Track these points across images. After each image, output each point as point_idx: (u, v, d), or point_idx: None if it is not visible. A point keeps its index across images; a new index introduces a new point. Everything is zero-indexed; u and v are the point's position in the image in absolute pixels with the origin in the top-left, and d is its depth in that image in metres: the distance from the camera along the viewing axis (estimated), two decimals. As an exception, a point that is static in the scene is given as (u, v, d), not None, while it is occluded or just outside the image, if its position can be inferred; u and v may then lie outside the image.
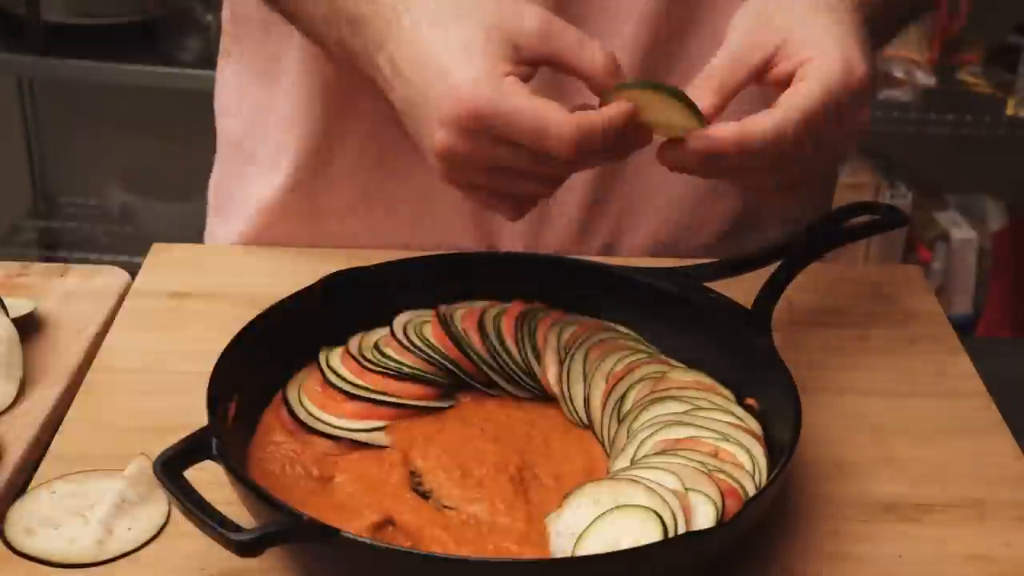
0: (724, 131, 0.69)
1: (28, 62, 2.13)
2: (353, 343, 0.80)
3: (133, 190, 2.37)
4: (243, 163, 1.02)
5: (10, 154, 2.48)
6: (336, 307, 0.80)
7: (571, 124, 0.67)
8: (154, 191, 2.33)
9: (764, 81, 0.74)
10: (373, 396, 0.76)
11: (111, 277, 0.92)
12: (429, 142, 0.69)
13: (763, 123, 0.69)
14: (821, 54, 0.72)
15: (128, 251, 2.17)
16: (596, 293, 0.84)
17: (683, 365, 0.80)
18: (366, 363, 0.78)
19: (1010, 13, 2.23)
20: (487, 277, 0.85)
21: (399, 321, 0.82)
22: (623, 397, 0.78)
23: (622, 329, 0.84)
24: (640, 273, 0.84)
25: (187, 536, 0.68)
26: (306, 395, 0.76)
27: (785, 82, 0.72)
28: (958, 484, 0.75)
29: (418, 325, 0.82)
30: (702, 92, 0.72)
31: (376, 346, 0.80)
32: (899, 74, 2.11)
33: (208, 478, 0.64)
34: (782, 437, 0.71)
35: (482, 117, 0.67)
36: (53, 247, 2.51)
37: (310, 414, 0.75)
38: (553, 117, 0.67)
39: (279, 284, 0.80)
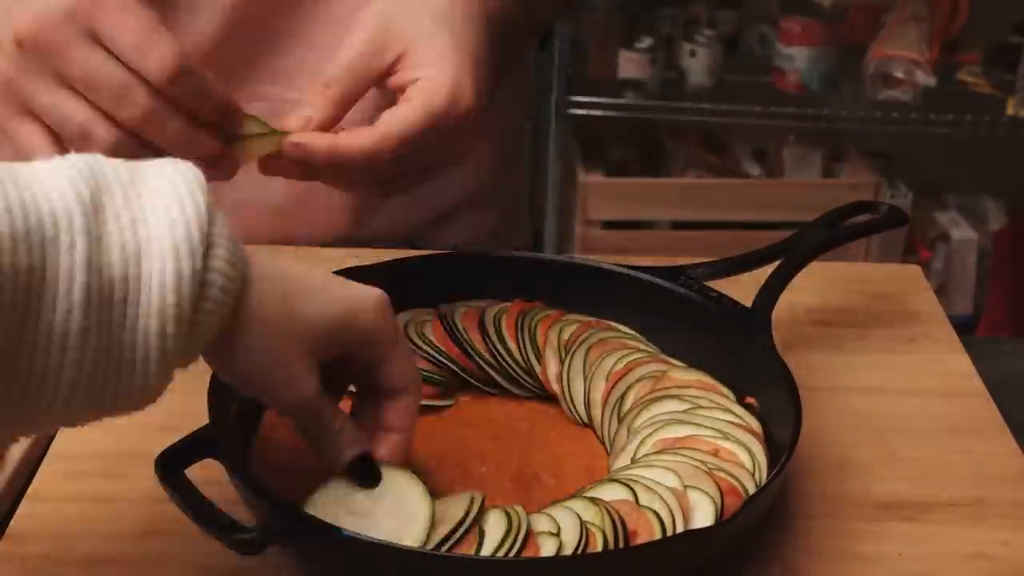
0: (318, 142, 0.71)
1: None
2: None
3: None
4: None
5: (9, 154, 2.47)
6: None
7: (178, 53, 0.63)
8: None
9: (382, 85, 0.75)
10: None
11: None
12: (9, 30, 0.63)
13: (360, 139, 0.72)
14: (431, 76, 0.73)
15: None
16: (596, 292, 0.84)
17: (683, 364, 0.80)
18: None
19: (1010, 13, 2.23)
20: (487, 276, 0.85)
21: (399, 320, 0.82)
22: (623, 396, 0.78)
23: (623, 328, 0.84)
24: (641, 272, 0.84)
25: (187, 536, 0.68)
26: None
27: (398, 91, 0.74)
28: (958, 483, 0.76)
29: (418, 324, 0.82)
30: (319, 102, 0.73)
31: None
32: (899, 74, 2.11)
33: (209, 477, 0.64)
34: (782, 436, 0.71)
35: (49, 34, 0.62)
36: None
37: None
38: (167, 34, 0.63)
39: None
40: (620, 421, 0.76)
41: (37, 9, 0.61)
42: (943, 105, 2.13)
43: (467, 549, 0.63)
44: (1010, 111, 2.12)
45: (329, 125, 0.73)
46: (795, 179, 2.34)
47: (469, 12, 0.77)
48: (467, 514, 0.64)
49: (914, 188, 2.26)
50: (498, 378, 0.80)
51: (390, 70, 0.75)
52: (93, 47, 0.62)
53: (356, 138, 0.72)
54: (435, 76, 0.73)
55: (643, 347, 0.82)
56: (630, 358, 0.80)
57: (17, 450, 0.75)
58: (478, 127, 0.75)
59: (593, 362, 0.80)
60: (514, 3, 0.83)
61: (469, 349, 0.80)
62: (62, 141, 0.65)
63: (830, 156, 2.33)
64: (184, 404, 0.71)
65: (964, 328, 2.21)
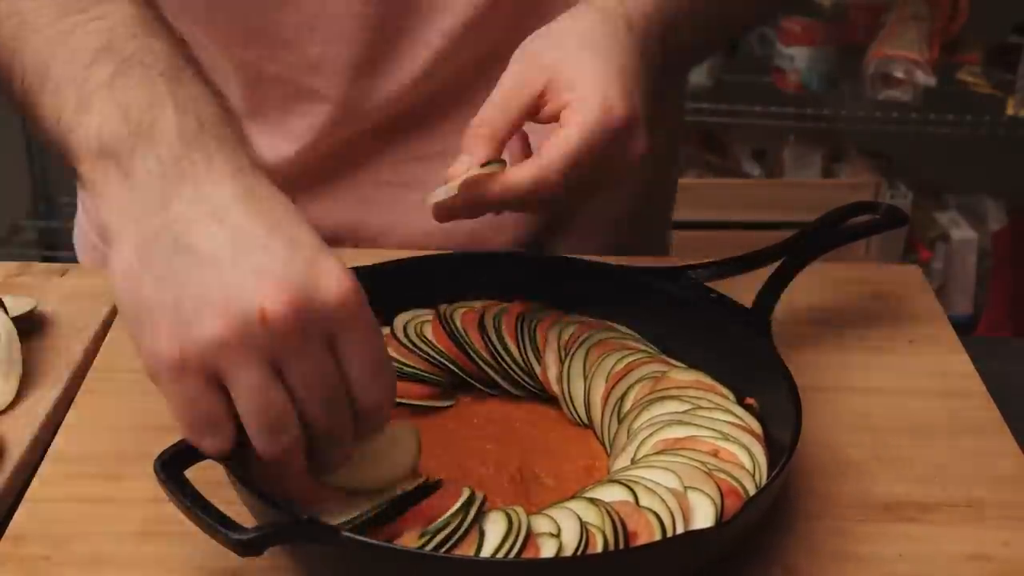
0: (488, 181, 0.72)
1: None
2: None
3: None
4: None
5: (10, 155, 2.48)
6: None
7: (393, 389, 0.62)
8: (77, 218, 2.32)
9: (537, 119, 0.76)
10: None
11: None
12: (256, 297, 0.56)
13: (526, 171, 0.72)
14: (581, 97, 0.73)
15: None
16: (596, 293, 0.84)
17: (683, 365, 0.80)
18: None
19: (1010, 13, 2.23)
20: (487, 276, 0.85)
21: (399, 321, 0.82)
22: (623, 396, 0.78)
23: (622, 329, 0.84)
24: (641, 273, 0.84)
25: (187, 536, 0.68)
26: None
27: (554, 120, 0.74)
28: (958, 484, 0.76)
29: (418, 325, 0.82)
30: (476, 144, 0.73)
31: None
32: (899, 74, 2.11)
33: (209, 478, 0.64)
34: (782, 437, 0.71)
35: (353, 311, 0.58)
36: (53, 247, 2.51)
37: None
38: (392, 367, 0.62)
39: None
40: (620, 422, 0.76)
41: (299, 295, 0.56)
42: (943, 105, 2.13)
43: (467, 550, 0.63)
44: (1010, 111, 2.12)
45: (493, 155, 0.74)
46: (795, 179, 2.34)
47: (611, 30, 0.77)
48: (467, 514, 0.64)
49: (914, 188, 2.26)
50: (498, 379, 0.80)
51: (540, 101, 0.75)
52: (328, 353, 0.58)
53: (522, 170, 0.72)
54: (584, 95, 0.73)
55: (643, 348, 0.82)
56: (630, 359, 0.80)
57: (17, 451, 0.75)
58: (641, 135, 0.75)
59: (593, 363, 0.80)
60: (679, 6, 0.82)
61: (469, 350, 0.80)
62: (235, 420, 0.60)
63: (830, 156, 2.33)
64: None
65: (964, 328, 2.21)
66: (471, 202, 0.73)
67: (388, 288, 0.82)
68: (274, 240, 0.58)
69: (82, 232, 1.06)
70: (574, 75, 0.74)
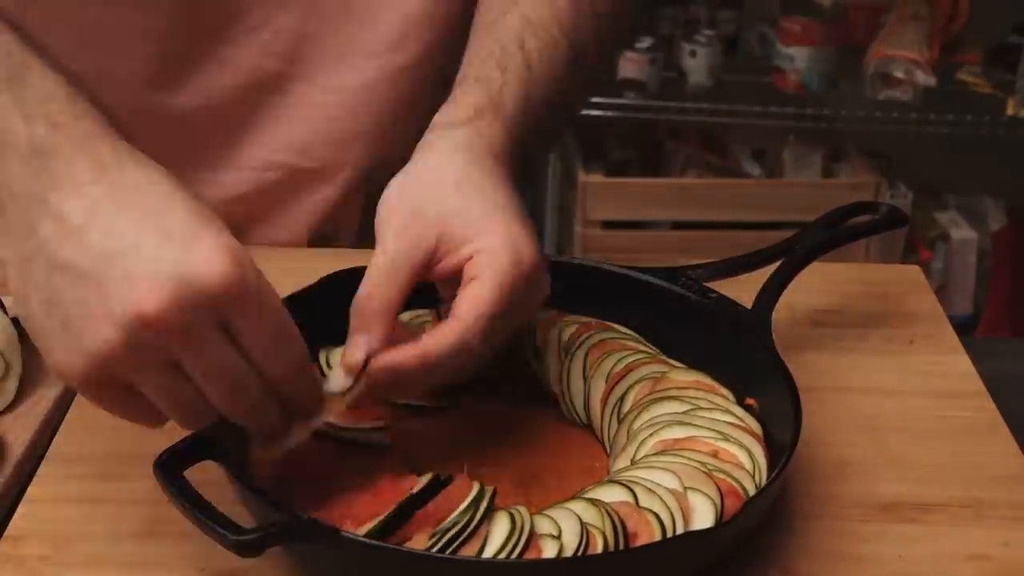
0: (405, 357, 0.67)
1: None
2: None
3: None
4: None
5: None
6: (336, 307, 0.80)
7: (303, 356, 0.62)
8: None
9: (429, 277, 0.71)
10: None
11: (110, 277, 0.92)
12: (129, 304, 0.56)
13: (445, 339, 0.67)
14: (486, 248, 0.69)
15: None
16: (596, 293, 0.84)
17: (683, 365, 0.80)
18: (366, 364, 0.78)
19: (1010, 13, 2.23)
20: None
21: (400, 320, 0.82)
22: (623, 397, 0.78)
23: (622, 329, 0.83)
24: (640, 273, 0.84)
25: (187, 536, 0.68)
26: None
27: (452, 278, 0.70)
28: (957, 484, 0.76)
29: (418, 325, 0.81)
30: (371, 322, 0.68)
31: None
32: (899, 74, 2.11)
33: (208, 478, 0.64)
34: (782, 437, 0.71)
35: (238, 290, 0.57)
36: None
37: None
38: (297, 336, 0.62)
39: (279, 284, 0.80)
40: (620, 422, 0.76)
41: (172, 289, 0.56)
42: (943, 105, 2.13)
43: (473, 548, 0.63)
44: (1010, 111, 2.12)
45: (383, 343, 0.68)
46: (795, 179, 2.34)
47: (483, 169, 0.72)
48: (477, 509, 0.64)
49: (914, 188, 2.26)
50: (498, 379, 0.80)
51: (431, 261, 0.70)
52: (224, 340, 0.58)
53: (440, 336, 0.67)
54: (489, 246, 0.69)
55: (642, 348, 0.82)
56: (629, 359, 0.80)
57: (16, 451, 0.75)
58: (545, 272, 0.72)
59: (593, 363, 0.80)
60: (539, 106, 0.79)
61: None
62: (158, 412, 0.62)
63: (830, 156, 2.33)
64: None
65: (964, 328, 2.21)
66: (392, 383, 0.68)
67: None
68: (143, 237, 0.57)
69: None
70: (470, 226, 0.69)
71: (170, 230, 0.58)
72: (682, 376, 0.79)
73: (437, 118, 0.76)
